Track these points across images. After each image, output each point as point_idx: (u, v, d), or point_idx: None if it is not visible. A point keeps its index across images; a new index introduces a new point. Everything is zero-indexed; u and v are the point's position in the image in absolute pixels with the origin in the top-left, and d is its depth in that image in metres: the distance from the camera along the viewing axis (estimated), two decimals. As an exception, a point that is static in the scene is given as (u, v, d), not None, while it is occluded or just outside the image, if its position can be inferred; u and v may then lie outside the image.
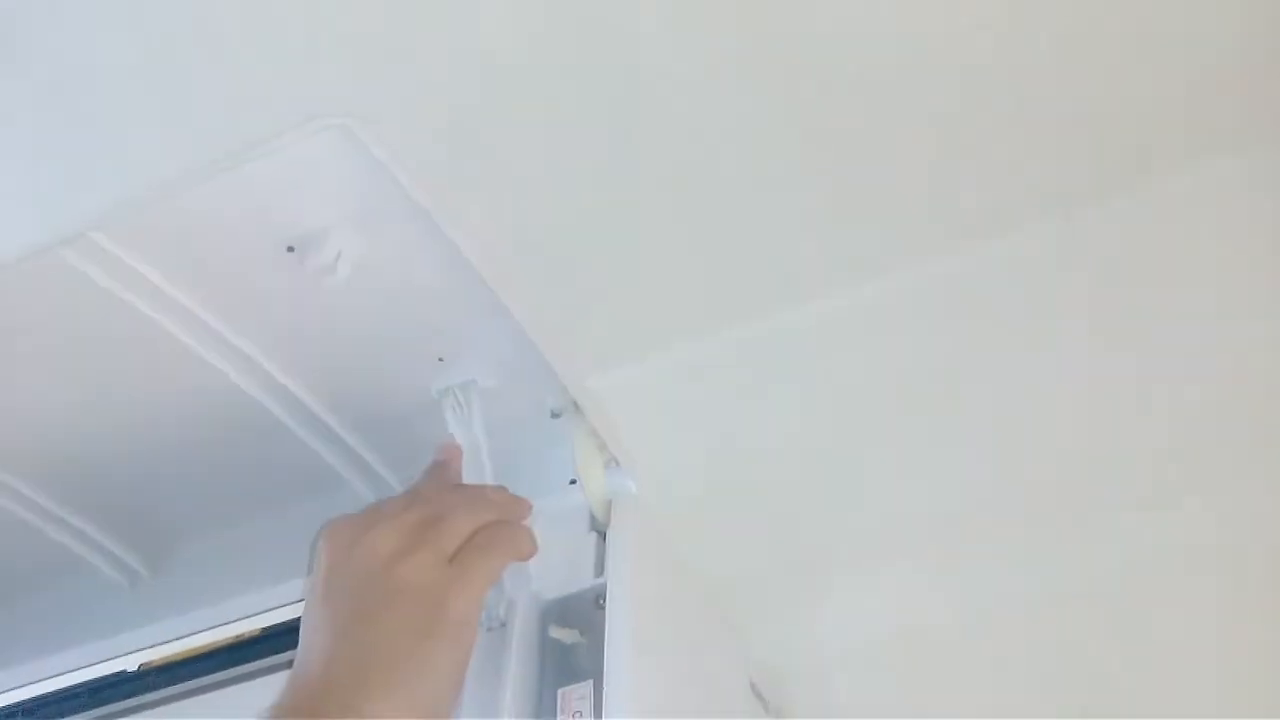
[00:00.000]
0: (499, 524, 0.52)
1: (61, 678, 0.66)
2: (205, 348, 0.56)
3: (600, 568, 0.57)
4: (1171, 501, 0.70)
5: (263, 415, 0.58)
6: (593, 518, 0.60)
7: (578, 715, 0.51)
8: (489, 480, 0.58)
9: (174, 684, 0.62)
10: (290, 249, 0.52)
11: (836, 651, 0.74)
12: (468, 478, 0.57)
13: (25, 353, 0.56)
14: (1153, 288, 0.71)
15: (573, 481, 0.62)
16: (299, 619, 0.61)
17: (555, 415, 0.59)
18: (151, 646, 0.65)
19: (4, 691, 0.67)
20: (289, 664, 0.59)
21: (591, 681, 0.52)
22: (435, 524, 0.49)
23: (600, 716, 0.50)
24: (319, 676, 0.45)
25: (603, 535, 0.59)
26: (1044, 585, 0.71)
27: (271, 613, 0.63)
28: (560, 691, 0.52)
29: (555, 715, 0.51)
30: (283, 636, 0.62)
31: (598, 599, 0.55)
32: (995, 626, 0.71)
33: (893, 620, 0.73)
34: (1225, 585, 0.68)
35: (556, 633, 0.54)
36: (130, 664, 0.65)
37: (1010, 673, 0.69)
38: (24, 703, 0.66)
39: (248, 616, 0.64)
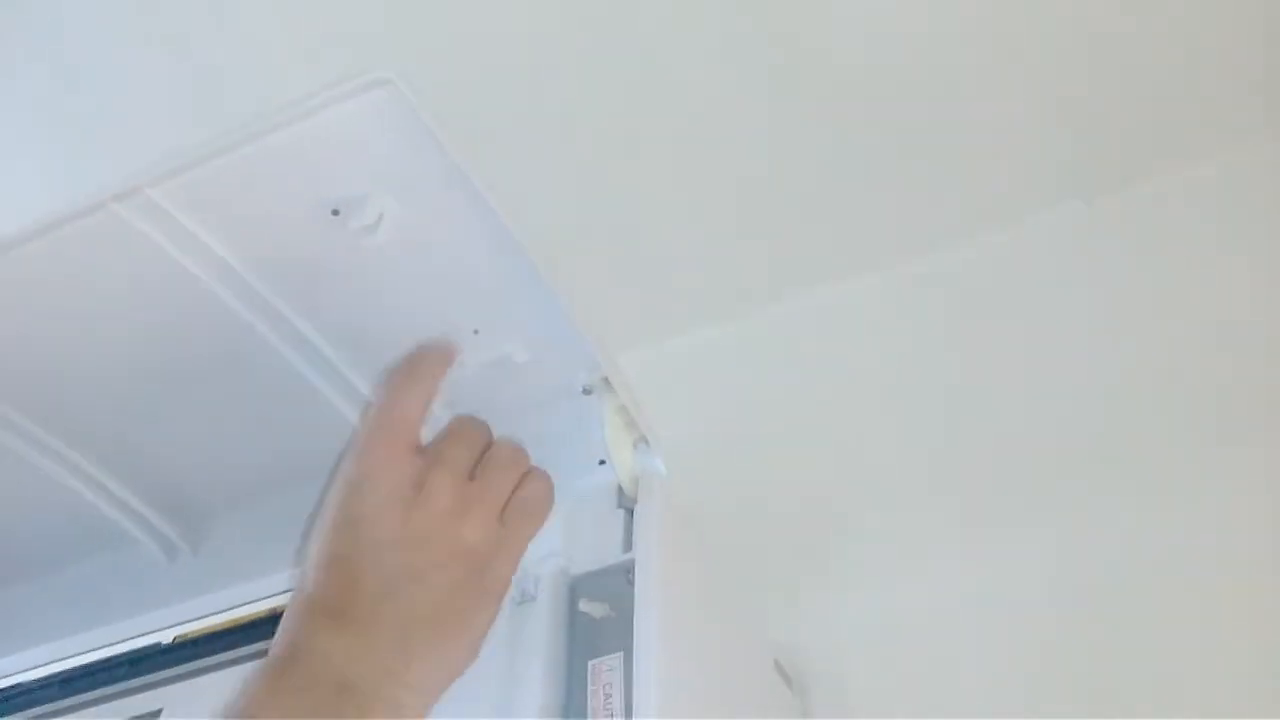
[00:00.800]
0: (531, 478, 0.53)
1: (96, 651, 0.68)
2: (249, 310, 0.57)
3: (629, 544, 0.57)
4: (1180, 485, 0.70)
5: (303, 385, 0.59)
6: (621, 494, 0.60)
7: (608, 687, 0.52)
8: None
9: (208, 657, 0.64)
10: (335, 212, 0.53)
11: (860, 630, 0.74)
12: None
13: (73, 312, 0.57)
14: (1165, 273, 0.71)
15: (602, 462, 0.63)
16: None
17: (587, 392, 0.59)
18: (187, 622, 0.67)
19: (41, 665, 0.69)
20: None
21: (621, 654, 0.53)
22: (485, 478, 0.50)
23: (630, 688, 0.51)
24: (360, 637, 0.45)
25: (631, 512, 0.59)
26: (1063, 564, 0.71)
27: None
28: (591, 664, 0.53)
29: (586, 687, 0.52)
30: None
31: (627, 574, 0.56)
32: (1017, 605, 0.71)
33: (916, 599, 0.73)
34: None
35: (586, 606, 0.55)
36: (165, 637, 0.66)
37: (1034, 650, 0.70)
38: (59, 674, 0.67)
39: (283, 592, 0.65)
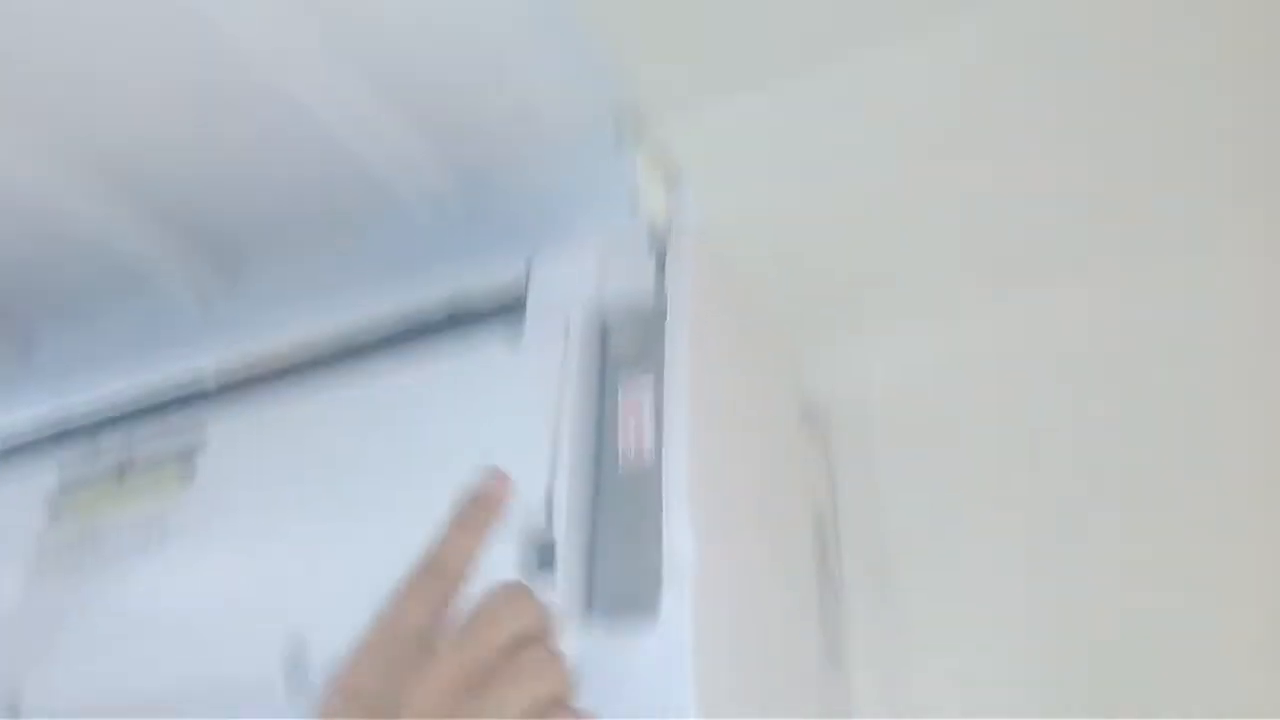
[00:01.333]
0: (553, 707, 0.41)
1: (142, 390, 0.70)
2: (279, 57, 0.56)
3: (660, 283, 0.58)
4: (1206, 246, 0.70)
5: (321, 123, 0.59)
6: (652, 237, 0.61)
7: (638, 407, 0.53)
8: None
9: (248, 394, 0.66)
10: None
11: (886, 377, 0.75)
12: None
13: (101, 28, 0.56)
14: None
15: (633, 208, 0.63)
16: (365, 338, 0.64)
17: (618, 133, 0.59)
18: (226, 364, 0.68)
19: (88, 408, 0.71)
20: (354, 372, 0.63)
21: (652, 376, 0.54)
22: (483, 689, 0.40)
23: (660, 408, 0.52)
24: None
25: (662, 255, 0.60)
26: (1093, 315, 0.72)
27: (339, 334, 0.66)
28: (622, 385, 0.54)
29: (617, 414, 0.54)
30: (347, 353, 0.64)
31: (659, 311, 0.56)
32: (1038, 355, 0.72)
33: (941, 350, 0.74)
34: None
35: (619, 340, 0.56)
36: (206, 378, 0.68)
37: (1053, 396, 0.71)
38: (107, 415, 0.70)
39: (314, 339, 0.67)
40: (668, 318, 0.56)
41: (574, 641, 0.46)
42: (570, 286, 0.58)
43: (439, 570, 0.44)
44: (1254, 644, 0.62)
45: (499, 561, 0.49)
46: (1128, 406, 0.69)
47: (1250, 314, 0.69)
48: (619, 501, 0.52)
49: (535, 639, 0.42)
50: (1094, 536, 0.67)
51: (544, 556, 0.49)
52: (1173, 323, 0.70)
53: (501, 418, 0.55)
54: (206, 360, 0.69)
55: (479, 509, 0.46)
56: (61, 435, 0.70)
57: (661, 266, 0.59)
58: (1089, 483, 0.68)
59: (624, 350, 0.56)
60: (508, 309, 0.61)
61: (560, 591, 0.48)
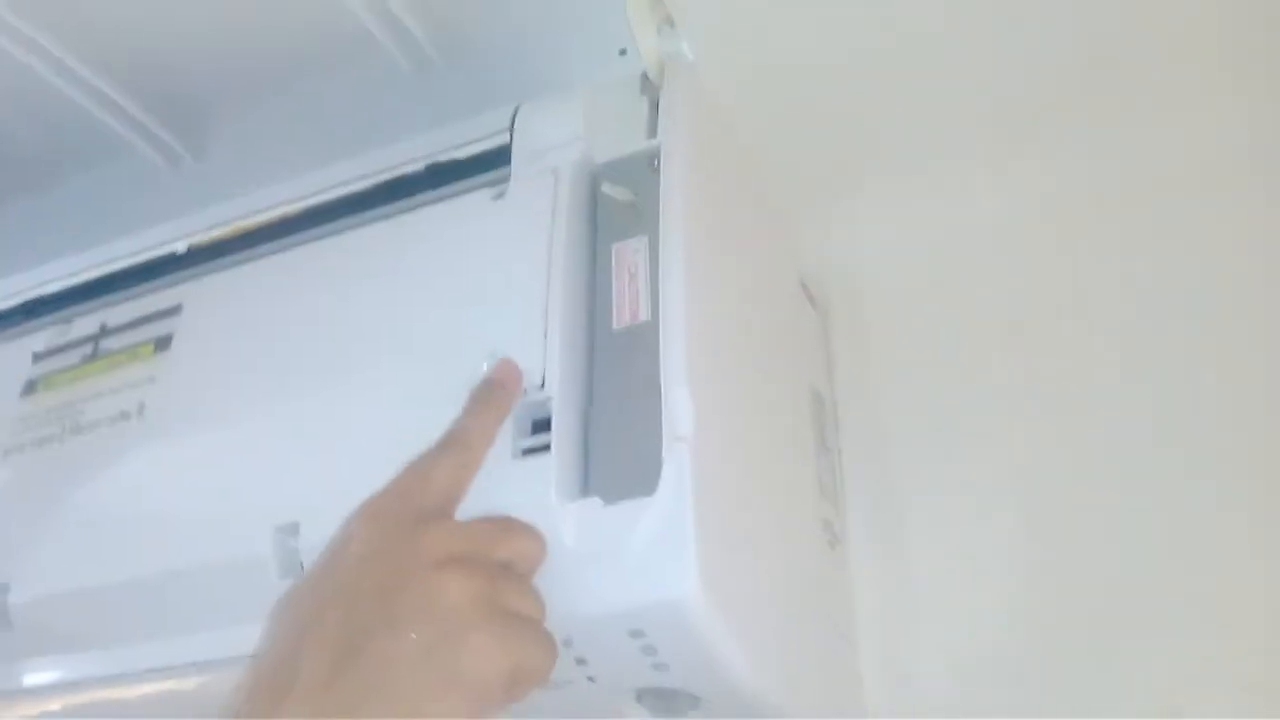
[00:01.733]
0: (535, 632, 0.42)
1: (112, 263, 0.67)
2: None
3: (653, 131, 0.54)
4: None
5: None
6: (645, 81, 0.56)
7: (632, 269, 0.50)
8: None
9: (221, 259, 0.63)
10: None
11: (879, 247, 0.72)
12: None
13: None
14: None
15: (623, 52, 0.59)
16: (342, 197, 0.61)
17: (606, -35, 0.54)
18: (199, 231, 0.65)
19: (58, 278, 0.68)
20: (332, 234, 0.60)
21: (646, 237, 0.51)
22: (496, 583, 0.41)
23: (655, 269, 0.49)
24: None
25: (655, 101, 0.55)
26: (1098, 185, 0.69)
27: (317, 193, 0.62)
28: (615, 246, 0.51)
29: (610, 269, 0.51)
30: (326, 213, 0.61)
31: (651, 160, 0.53)
32: (1034, 224, 0.69)
33: (937, 216, 0.71)
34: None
35: (609, 189, 0.52)
36: (179, 246, 0.65)
37: (1053, 265, 0.68)
38: (79, 285, 0.67)
39: (294, 200, 0.63)
40: (662, 164, 0.52)
41: (573, 513, 0.45)
42: (558, 135, 0.54)
43: (463, 441, 0.45)
44: (1251, 534, 0.60)
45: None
46: (1129, 276, 0.66)
47: (1257, 178, 0.65)
48: (614, 363, 0.49)
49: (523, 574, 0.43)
50: (1093, 409, 0.65)
51: (539, 425, 0.47)
52: (1177, 189, 0.66)
53: (489, 276, 0.52)
54: (177, 226, 0.65)
55: (495, 391, 0.47)
56: (30, 311, 0.67)
57: (654, 111, 0.55)
58: (1089, 353, 0.66)
59: (616, 200, 0.52)
60: (493, 161, 0.57)
61: (556, 462, 0.46)
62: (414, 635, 0.38)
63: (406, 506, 0.42)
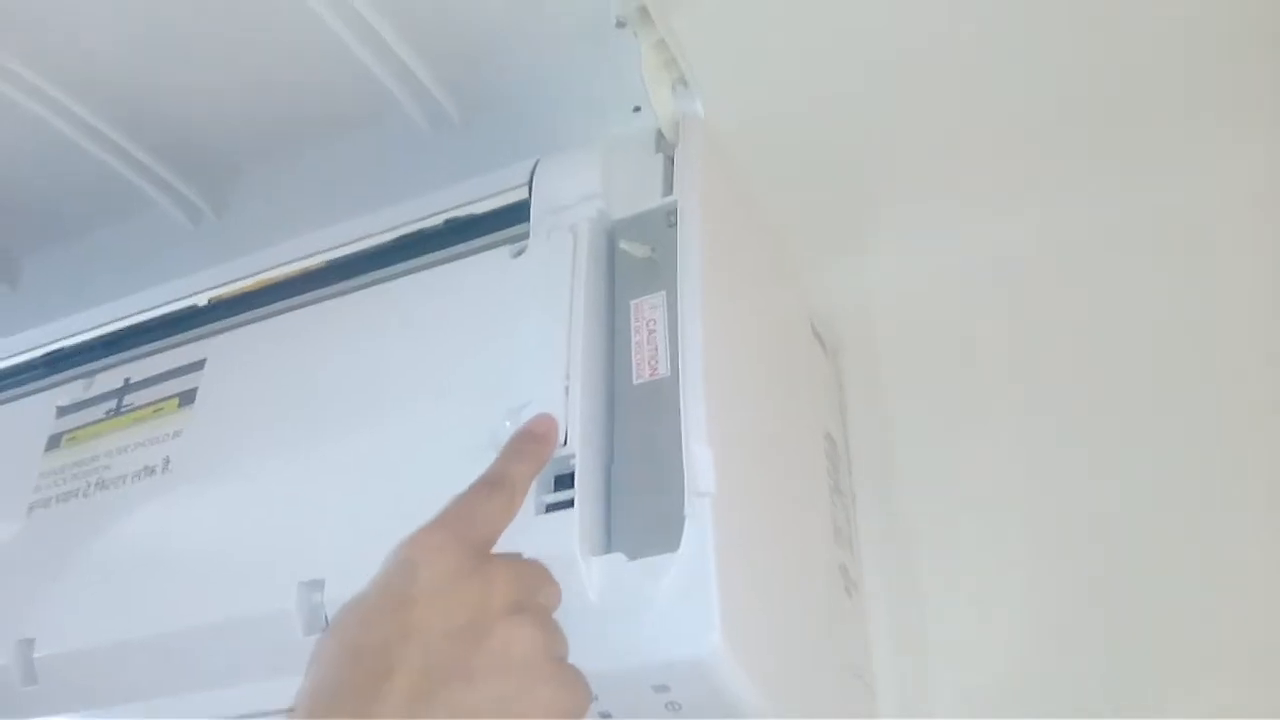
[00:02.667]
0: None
1: (133, 316, 0.68)
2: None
3: (669, 187, 0.55)
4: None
5: (319, 28, 0.55)
6: (659, 139, 0.57)
7: (651, 324, 0.51)
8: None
9: (243, 313, 0.63)
10: None
11: (889, 290, 0.73)
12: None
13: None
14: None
15: (637, 108, 0.60)
16: (362, 252, 0.62)
17: (620, 25, 0.55)
18: (222, 285, 0.66)
19: (81, 331, 0.69)
20: (352, 290, 0.61)
21: (664, 292, 0.52)
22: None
23: (674, 323, 0.50)
24: None
25: (670, 158, 0.57)
26: (1105, 224, 0.69)
27: (337, 248, 0.63)
28: (633, 302, 0.52)
29: (629, 324, 0.52)
30: (346, 268, 0.62)
31: (668, 216, 0.54)
32: (1046, 267, 0.70)
33: (946, 258, 0.72)
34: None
35: (627, 245, 0.53)
36: (200, 299, 0.66)
37: (1059, 307, 0.69)
38: (102, 337, 0.68)
39: (311, 255, 0.64)
40: (678, 220, 0.53)
41: (597, 568, 0.45)
42: (576, 192, 0.55)
43: (508, 484, 0.45)
44: (1258, 546, 0.60)
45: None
46: (1140, 315, 0.67)
47: (1256, 215, 0.66)
48: (634, 418, 0.50)
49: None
50: (1099, 448, 0.66)
51: (561, 481, 0.48)
52: (1177, 229, 0.67)
53: (511, 332, 0.52)
54: (201, 280, 0.66)
55: (533, 442, 0.47)
56: (53, 364, 0.68)
57: (670, 167, 0.56)
58: (1102, 394, 0.66)
59: (633, 256, 0.53)
60: (511, 217, 0.58)
61: (580, 518, 0.46)
62: (489, 688, 0.39)
63: (464, 542, 0.42)
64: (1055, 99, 0.67)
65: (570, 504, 0.46)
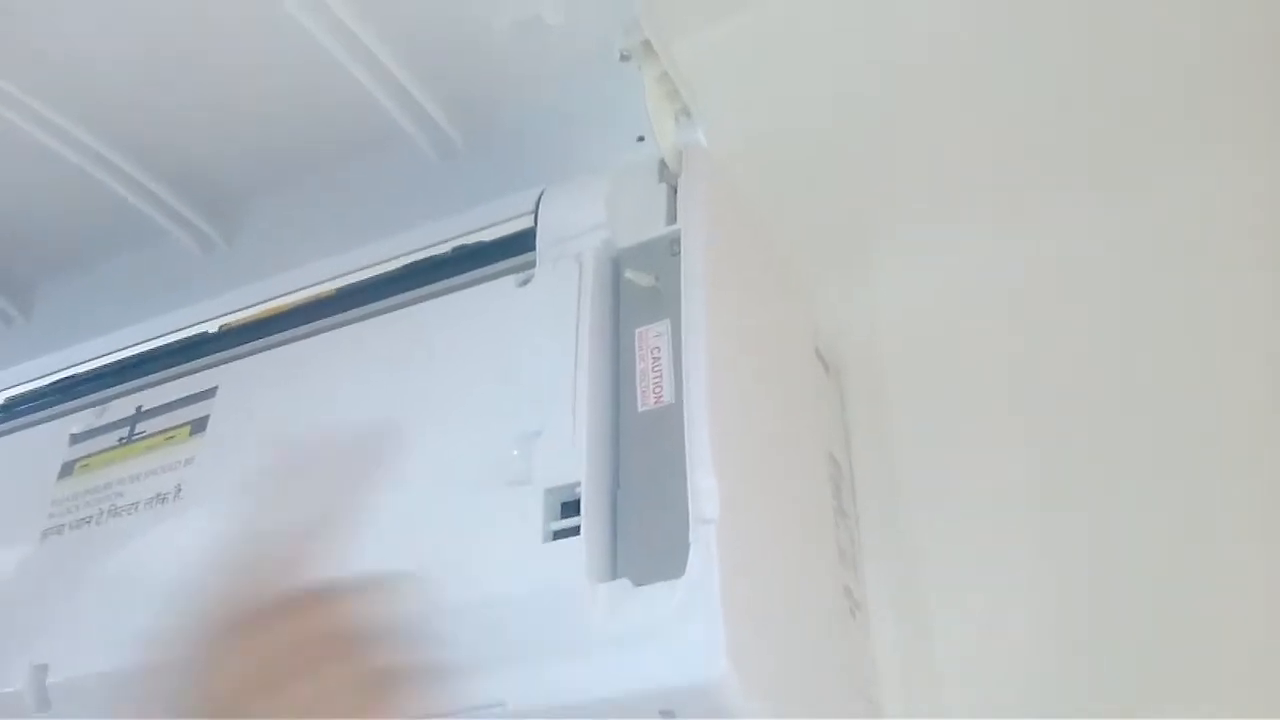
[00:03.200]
0: None
1: (145, 343, 0.69)
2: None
3: (672, 217, 0.56)
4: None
5: (325, 57, 0.56)
6: (663, 168, 0.58)
7: (655, 352, 0.52)
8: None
9: (254, 341, 0.64)
10: None
11: (893, 312, 0.74)
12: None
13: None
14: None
15: (641, 139, 0.61)
16: (371, 279, 0.63)
17: (624, 58, 0.56)
18: (232, 312, 0.67)
19: (91, 358, 0.70)
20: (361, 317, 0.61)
21: (669, 320, 0.52)
22: None
23: (679, 352, 0.51)
24: None
25: (673, 187, 0.58)
26: (1107, 243, 0.70)
27: (346, 276, 0.64)
28: (638, 330, 0.53)
29: (634, 352, 0.52)
30: (355, 295, 0.63)
31: (671, 245, 0.55)
32: (1048, 287, 0.70)
33: (950, 280, 0.72)
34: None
35: (631, 274, 0.54)
36: (211, 327, 0.67)
37: (1061, 326, 0.69)
38: (113, 364, 0.69)
39: (322, 281, 0.65)
40: (682, 249, 0.54)
41: (603, 594, 0.46)
42: (581, 221, 0.56)
43: None
44: (1263, 555, 0.61)
45: (524, 512, 0.48)
46: (1146, 339, 0.67)
47: (1258, 231, 0.66)
48: (639, 445, 0.50)
49: None
50: (1103, 466, 0.66)
51: (568, 508, 0.48)
52: (1180, 247, 0.68)
53: (517, 360, 0.53)
54: (212, 307, 0.67)
55: None
56: (67, 393, 0.69)
57: (673, 196, 0.57)
58: (1107, 417, 0.67)
59: (638, 285, 0.54)
60: (518, 245, 0.59)
61: (586, 545, 0.47)
62: None
63: None
64: (1056, 120, 0.67)
65: (577, 531, 0.47)
